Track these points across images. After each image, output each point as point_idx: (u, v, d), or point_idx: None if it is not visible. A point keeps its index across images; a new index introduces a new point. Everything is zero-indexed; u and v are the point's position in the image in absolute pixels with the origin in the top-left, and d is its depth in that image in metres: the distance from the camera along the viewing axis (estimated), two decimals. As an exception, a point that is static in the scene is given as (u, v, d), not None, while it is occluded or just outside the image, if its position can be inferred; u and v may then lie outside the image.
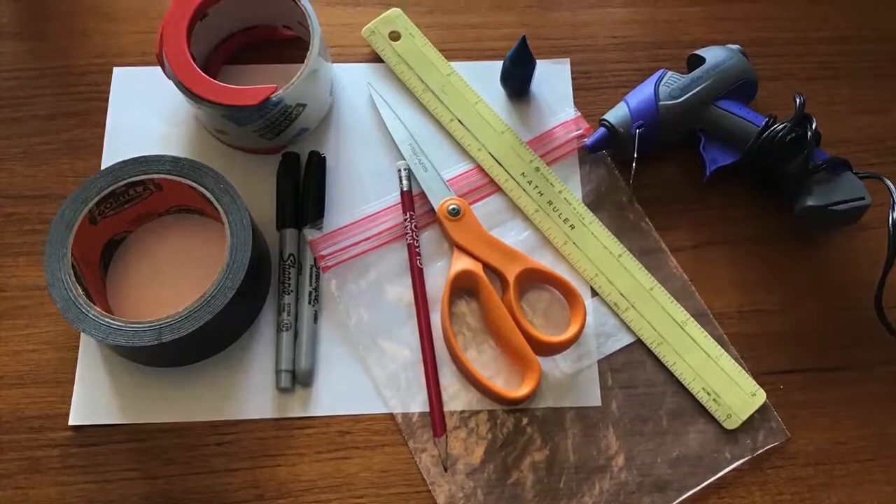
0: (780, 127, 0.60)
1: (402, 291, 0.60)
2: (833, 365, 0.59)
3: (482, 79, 0.66)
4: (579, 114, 0.66)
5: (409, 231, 0.61)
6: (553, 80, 0.67)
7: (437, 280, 0.60)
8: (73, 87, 0.66)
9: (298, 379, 0.58)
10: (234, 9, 0.63)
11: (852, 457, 0.57)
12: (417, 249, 0.60)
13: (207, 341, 0.57)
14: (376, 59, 0.68)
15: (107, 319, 0.53)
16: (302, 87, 0.59)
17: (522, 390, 0.56)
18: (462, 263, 0.60)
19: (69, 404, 0.57)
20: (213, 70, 0.65)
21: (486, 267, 0.60)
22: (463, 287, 0.60)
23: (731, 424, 0.57)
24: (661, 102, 0.62)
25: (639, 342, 0.59)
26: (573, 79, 0.67)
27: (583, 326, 0.58)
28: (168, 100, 0.64)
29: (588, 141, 0.63)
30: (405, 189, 0.62)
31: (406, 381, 0.58)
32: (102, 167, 0.63)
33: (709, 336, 0.59)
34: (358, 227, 0.62)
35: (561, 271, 0.60)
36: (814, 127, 0.59)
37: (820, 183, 0.59)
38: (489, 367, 0.58)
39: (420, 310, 0.59)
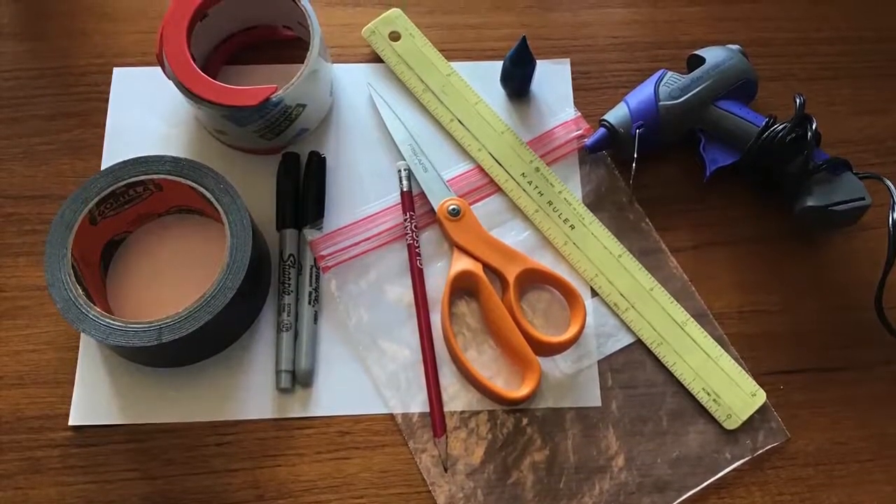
0: (781, 127, 0.60)
1: (402, 292, 0.60)
2: (833, 365, 0.59)
3: (482, 79, 0.66)
4: (579, 114, 0.66)
5: (409, 231, 0.61)
6: (553, 80, 0.67)
7: (437, 280, 0.60)
8: (73, 87, 0.66)
9: (298, 379, 0.58)
10: (234, 9, 0.63)
11: (852, 457, 0.57)
12: (417, 250, 0.60)
13: (207, 342, 0.57)
14: (376, 59, 0.68)
15: (107, 320, 0.54)
16: (302, 88, 0.59)
17: (522, 391, 0.56)
18: (462, 264, 0.60)
19: (69, 404, 0.57)
20: (213, 70, 0.65)
21: (486, 267, 0.60)
22: (463, 287, 0.60)
23: (731, 425, 0.57)
24: (661, 103, 0.62)
25: (639, 342, 0.59)
26: (573, 79, 0.67)
27: (583, 327, 0.58)
28: (168, 100, 0.64)
29: (588, 141, 0.63)
30: (405, 189, 0.62)
31: (406, 382, 0.58)
32: (102, 167, 0.63)
33: (709, 336, 0.59)
34: (358, 227, 0.62)
35: (561, 271, 0.60)
36: (814, 127, 0.59)
37: (820, 183, 0.59)
38: (489, 367, 0.58)
39: (420, 310, 0.59)
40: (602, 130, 0.63)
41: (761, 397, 0.58)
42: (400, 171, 0.63)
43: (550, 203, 0.63)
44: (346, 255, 0.61)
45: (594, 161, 0.65)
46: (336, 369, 0.58)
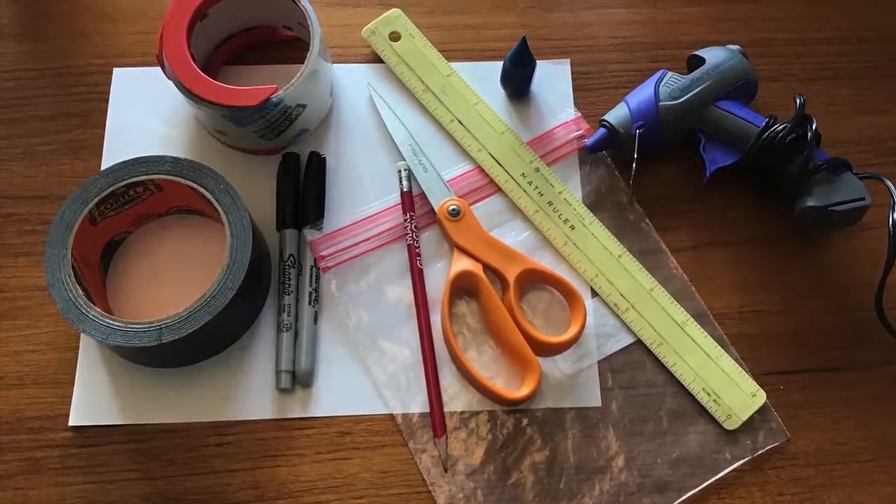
0: (781, 127, 0.60)
1: (402, 292, 0.60)
2: (833, 365, 0.59)
3: (482, 79, 0.66)
4: (579, 114, 0.66)
5: (409, 232, 0.61)
6: (553, 80, 0.67)
7: (438, 281, 0.60)
8: (73, 87, 0.66)
9: (298, 379, 0.58)
10: (234, 9, 0.63)
11: (852, 457, 0.57)
12: (417, 250, 0.60)
13: (207, 342, 0.57)
14: (376, 59, 0.68)
15: (107, 320, 0.53)
16: (302, 88, 0.59)
17: (522, 391, 0.56)
18: (462, 264, 0.60)
19: (69, 405, 0.57)
20: (214, 71, 0.65)
21: (487, 267, 0.60)
22: (463, 288, 0.60)
23: (731, 425, 0.57)
24: (662, 103, 0.62)
25: (639, 343, 0.59)
26: (573, 79, 0.67)
27: (583, 327, 0.58)
28: (168, 100, 0.64)
29: (588, 141, 0.63)
30: (405, 190, 0.62)
31: (406, 382, 0.58)
32: (102, 168, 0.63)
33: (709, 337, 0.59)
34: (358, 227, 0.62)
35: (561, 272, 0.60)
36: (814, 127, 0.59)
37: (820, 183, 0.59)
38: (489, 367, 0.58)
39: (420, 310, 0.59)
40: (602, 131, 0.63)
41: (761, 397, 0.58)
42: (400, 171, 0.63)
43: (550, 203, 0.63)
44: (347, 255, 0.61)
45: (594, 161, 0.65)
46: (336, 370, 0.58)
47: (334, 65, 0.67)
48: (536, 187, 0.63)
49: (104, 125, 0.65)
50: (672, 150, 0.64)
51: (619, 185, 0.64)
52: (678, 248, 0.62)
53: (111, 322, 0.53)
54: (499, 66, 0.65)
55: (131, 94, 0.66)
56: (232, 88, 0.58)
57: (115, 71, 0.67)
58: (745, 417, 0.57)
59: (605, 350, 0.59)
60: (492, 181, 0.64)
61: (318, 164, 0.63)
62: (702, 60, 0.63)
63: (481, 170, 0.64)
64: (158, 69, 0.61)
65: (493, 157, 0.64)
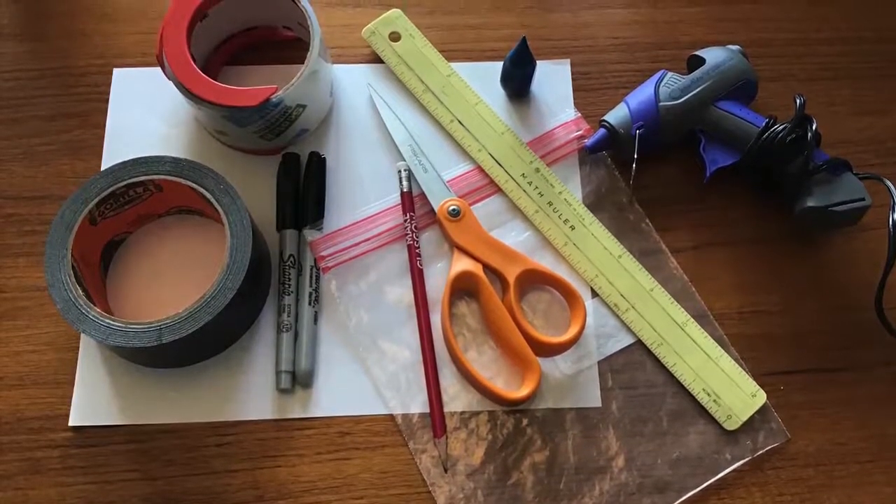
0: (781, 128, 0.60)
1: (402, 292, 0.60)
2: (833, 366, 0.59)
3: (482, 79, 0.66)
4: (579, 115, 0.66)
5: (409, 232, 0.61)
6: (553, 80, 0.67)
7: (438, 281, 0.60)
8: (73, 87, 0.66)
9: (298, 380, 0.58)
10: (235, 10, 0.63)
11: (852, 458, 0.57)
12: (417, 250, 0.60)
13: (207, 342, 0.57)
14: (376, 59, 0.68)
15: (107, 320, 0.53)
16: (302, 88, 0.59)
17: (523, 391, 0.56)
18: (462, 264, 0.60)
19: (69, 405, 0.57)
20: (214, 71, 0.65)
21: (487, 268, 0.60)
22: (463, 288, 0.60)
23: (731, 425, 0.57)
24: (662, 103, 0.62)
25: (639, 343, 0.59)
26: (573, 79, 0.67)
27: (583, 327, 0.58)
28: (168, 101, 0.64)
29: (588, 142, 0.63)
30: (405, 190, 0.62)
31: (406, 382, 0.58)
32: (102, 168, 0.63)
33: (709, 337, 0.59)
34: (358, 228, 0.62)
35: (561, 272, 0.60)
36: (814, 128, 0.59)
37: (820, 184, 0.59)
38: (489, 367, 0.58)
39: (420, 311, 0.59)
40: (602, 131, 0.63)
41: (761, 398, 0.58)
42: (400, 171, 0.63)
43: (550, 204, 0.63)
44: (347, 255, 0.61)
45: (594, 162, 0.65)
46: (336, 370, 0.58)
47: (334, 65, 0.67)
48: (536, 187, 0.63)
49: (104, 125, 0.65)
50: (672, 150, 0.64)
51: (619, 185, 0.64)
52: (678, 249, 0.62)
53: (111, 322, 0.53)
54: (499, 66, 0.65)
55: (131, 95, 0.66)
56: (232, 89, 0.58)
57: (115, 71, 0.67)
58: (745, 418, 0.57)
59: (606, 350, 0.59)
60: (492, 181, 0.64)
61: (318, 165, 0.63)
62: (702, 61, 0.63)
63: (481, 170, 0.64)
64: (158, 69, 0.61)
65: (493, 157, 0.64)
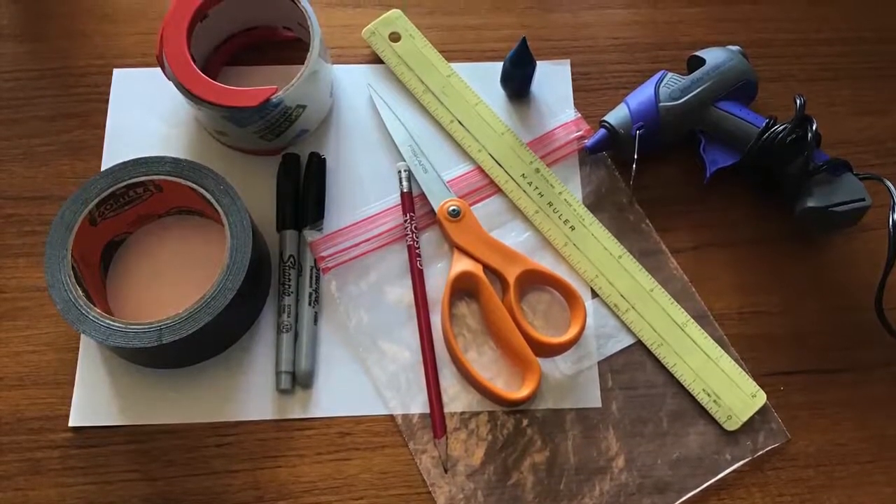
0: (781, 128, 0.60)
1: (402, 293, 0.60)
2: (833, 366, 0.59)
3: (482, 80, 0.66)
4: (579, 115, 0.66)
5: (409, 232, 0.61)
6: (553, 81, 0.67)
7: (438, 281, 0.60)
8: (73, 88, 0.66)
9: (298, 380, 0.58)
10: (235, 10, 0.63)
11: (852, 458, 0.57)
12: (417, 251, 0.60)
13: (207, 343, 0.57)
14: (376, 60, 0.68)
15: (107, 321, 0.53)
16: (302, 89, 0.59)
17: (523, 392, 0.56)
18: (462, 265, 0.60)
19: (69, 406, 0.57)
20: (214, 71, 0.65)
21: (487, 268, 0.60)
22: (463, 288, 0.60)
23: (731, 426, 0.57)
24: (662, 104, 0.62)
25: (639, 343, 0.59)
26: (573, 80, 0.67)
27: (583, 328, 0.58)
28: (168, 101, 0.64)
29: (588, 142, 0.63)
30: (405, 190, 0.62)
31: (406, 383, 0.58)
32: (102, 168, 0.63)
33: (709, 337, 0.59)
34: (358, 228, 0.62)
35: (561, 272, 0.60)
36: (814, 128, 0.59)
37: (820, 184, 0.59)
38: (489, 368, 0.58)
39: (420, 311, 0.59)
40: (602, 131, 0.63)
41: (761, 398, 0.58)
42: (400, 172, 0.63)
43: (550, 204, 0.63)
44: (347, 256, 0.61)
45: (594, 162, 0.65)
46: (336, 370, 0.58)
47: (334, 65, 0.67)
48: (536, 188, 0.63)
49: (104, 126, 0.65)
50: (672, 150, 0.64)
51: (619, 185, 0.64)
52: (678, 249, 0.62)
53: (111, 323, 0.53)
54: (499, 66, 0.65)
55: (131, 95, 0.66)
56: (232, 89, 0.58)
57: (115, 71, 0.67)
58: (745, 418, 0.57)
59: (606, 351, 0.59)
60: (492, 182, 0.64)
61: (318, 165, 0.63)
62: (702, 61, 0.63)
63: (481, 170, 0.64)
64: (158, 70, 0.61)
65: (493, 157, 0.64)
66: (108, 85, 0.66)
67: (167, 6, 0.60)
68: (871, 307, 0.58)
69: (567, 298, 0.60)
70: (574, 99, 0.67)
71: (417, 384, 0.58)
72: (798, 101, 0.60)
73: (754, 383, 0.58)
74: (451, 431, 0.57)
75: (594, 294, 0.61)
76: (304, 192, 0.62)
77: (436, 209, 0.61)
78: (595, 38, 0.69)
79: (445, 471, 0.56)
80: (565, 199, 0.63)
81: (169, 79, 0.59)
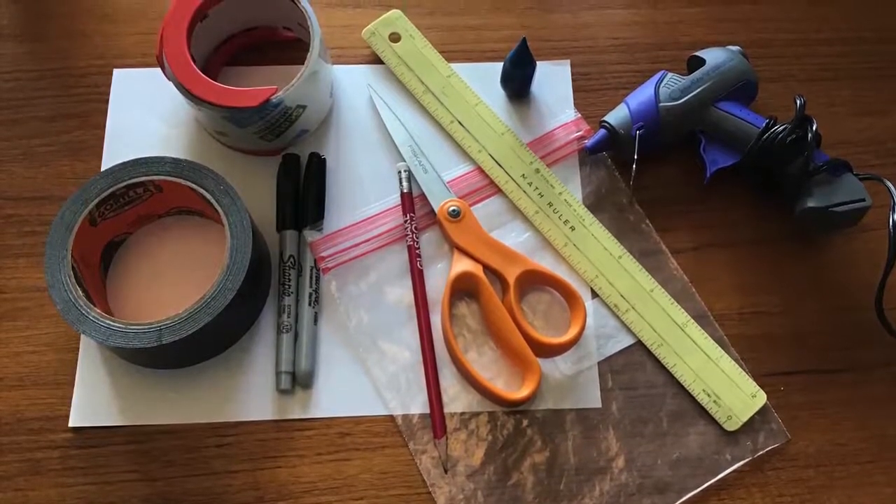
0: (781, 128, 0.60)
1: (402, 293, 0.60)
2: (833, 366, 0.59)
3: (482, 80, 0.66)
4: (579, 115, 0.66)
5: (409, 233, 0.61)
6: (553, 81, 0.67)
7: (438, 282, 0.60)
8: (73, 88, 0.66)
9: (298, 380, 0.58)
10: (235, 10, 0.63)
11: (853, 458, 0.57)
12: (418, 251, 0.60)
13: (207, 343, 0.57)
14: (376, 60, 0.68)
15: (107, 321, 0.53)
16: (302, 89, 0.59)
17: (523, 392, 0.56)
18: (462, 265, 0.60)
19: (69, 406, 0.57)
20: (214, 71, 0.65)
21: (487, 268, 0.60)
22: (463, 289, 0.60)
23: (731, 426, 0.57)
24: (662, 104, 0.62)
25: (639, 344, 0.59)
26: (573, 80, 0.67)
27: (583, 328, 0.58)
28: (168, 101, 0.64)
29: (588, 142, 0.63)
30: (405, 191, 0.62)
31: (406, 383, 0.58)
32: (102, 169, 0.63)
33: (709, 338, 0.59)
34: (358, 228, 0.62)
35: (561, 273, 0.60)
36: (814, 128, 0.59)
37: (820, 184, 0.59)
38: (489, 368, 0.58)
39: (420, 311, 0.59)
40: (602, 132, 0.63)
41: (761, 398, 0.58)
42: (400, 172, 0.63)
43: (551, 204, 0.63)
44: (347, 256, 0.61)
45: (594, 162, 0.65)
46: (336, 371, 0.58)
47: (334, 66, 0.67)
48: (536, 188, 0.63)
49: (104, 126, 0.65)
50: (672, 151, 0.64)
51: (619, 186, 0.64)
52: (678, 249, 0.62)
53: (111, 323, 0.53)
54: (499, 67, 0.65)
55: (131, 95, 0.66)
56: (232, 89, 0.58)
57: (115, 72, 0.67)
58: (745, 418, 0.57)
59: (606, 351, 0.59)
60: (492, 182, 0.64)
61: (318, 165, 0.63)
62: (702, 61, 0.63)
63: (481, 171, 0.64)
64: (158, 70, 0.61)
65: (493, 158, 0.64)
66: (108, 85, 0.66)
67: (167, 6, 0.60)
68: (871, 307, 0.58)
69: (567, 299, 0.60)
70: (574, 99, 0.67)
71: (417, 384, 0.58)
72: (798, 102, 0.60)
73: (754, 383, 0.58)
74: (451, 432, 0.57)
75: (594, 294, 0.61)
76: (304, 192, 0.62)
77: (436, 209, 0.61)
78: (595, 38, 0.69)
79: (445, 471, 0.56)
80: (565, 200, 0.63)
81: (169, 79, 0.59)
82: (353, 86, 0.67)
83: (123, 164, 0.57)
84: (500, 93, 0.67)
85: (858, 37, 0.70)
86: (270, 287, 0.61)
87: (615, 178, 0.64)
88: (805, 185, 0.59)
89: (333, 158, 0.64)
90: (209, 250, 0.60)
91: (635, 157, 0.61)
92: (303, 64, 0.60)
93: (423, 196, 0.62)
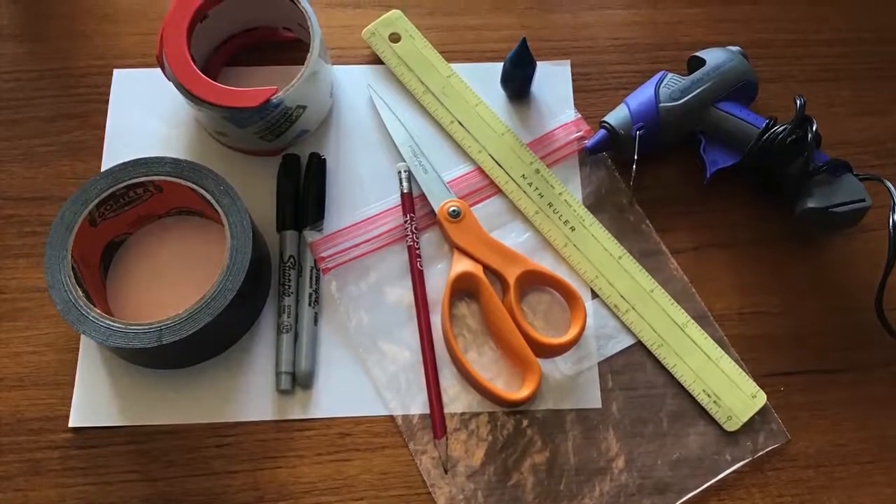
0: (781, 129, 0.60)
1: (402, 293, 0.60)
2: (833, 367, 0.59)
3: (482, 80, 0.66)
4: (580, 115, 0.66)
5: (409, 233, 0.61)
6: (553, 81, 0.67)
7: (438, 282, 0.60)
8: (73, 88, 0.66)
9: (298, 381, 0.58)
10: (235, 10, 0.63)
11: (852, 459, 0.57)
12: (418, 251, 0.60)
13: (207, 343, 0.57)
14: (376, 60, 0.68)
15: (107, 321, 0.53)
16: (302, 89, 0.59)
17: (523, 392, 0.56)
18: (462, 265, 0.60)
19: (69, 406, 0.57)
20: (214, 72, 0.65)
21: (487, 269, 0.60)
22: (463, 289, 0.60)
23: (731, 426, 0.57)
24: (662, 104, 0.62)
25: (639, 344, 0.59)
26: (573, 80, 0.67)
27: (583, 328, 0.58)
28: (168, 101, 0.64)
29: (588, 143, 0.63)
30: (405, 191, 0.62)
31: (406, 383, 0.58)
32: (102, 169, 0.63)
33: (709, 338, 0.59)
34: (358, 228, 0.62)
35: (561, 273, 0.60)
36: (814, 129, 0.59)
37: (820, 185, 0.59)
38: (489, 368, 0.58)
39: (420, 312, 0.59)
40: (602, 132, 0.63)
41: (762, 399, 0.58)
42: (400, 172, 0.63)
43: (551, 205, 0.63)
44: (347, 256, 0.61)
45: (594, 163, 0.65)
46: (336, 371, 0.58)
47: (334, 66, 0.67)
48: (537, 188, 0.63)
49: (104, 126, 0.65)
50: (672, 151, 0.64)
51: (619, 186, 0.64)
52: (678, 250, 0.62)
53: (111, 323, 0.53)
54: (499, 67, 0.65)
55: (131, 96, 0.66)
56: (232, 90, 0.58)
57: (116, 72, 0.67)
58: (745, 419, 0.57)
59: (606, 351, 0.59)
60: (492, 182, 0.64)
61: (318, 166, 0.63)
62: (702, 62, 0.63)
63: (481, 171, 0.64)
64: (158, 70, 0.61)
65: (493, 158, 0.64)
66: (108, 85, 0.66)
67: (167, 6, 0.60)
68: (871, 307, 0.58)
69: (567, 299, 0.60)
70: (574, 99, 0.67)
71: (417, 385, 0.58)
72: (798, 102, 0.60)
73: (754, 384, 0.58)
74: (452, 432, 0.57)
75: (594, 295, 0.61)
76: (305, 192, 0.62)
77: (436, 210, 0.61)
78: (595, 38, 0.69)
79: (445, 471, 0.56)
80: (565, 200, 0.63)
81: (169, 79, 0.59)
82: (353, 86, 0.67)
83: (123, 164, 0.57)
84: (500, 93, 0.67)
85: (858, 37, 0.70)
86: (270, 287, 0.61)
87: (615, 179, 0.64)
88: (805, 185, 0.59)
89: (333, 159, 0.64)
90: (209, 250, 0.60)
91: (635, 157, 0.61)
92: (303, 64, 0.60)
93: (423, 196, 0.62)
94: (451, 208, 0.61)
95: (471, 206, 0.62)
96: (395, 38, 0.68)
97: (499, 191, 0.64)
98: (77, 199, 0.56)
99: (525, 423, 0.57)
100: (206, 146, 0.64)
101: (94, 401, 0.57)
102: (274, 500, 0.55)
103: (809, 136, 0.59)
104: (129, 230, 0.61)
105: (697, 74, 0.62)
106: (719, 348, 0.59)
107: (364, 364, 0.58)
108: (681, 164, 0.64)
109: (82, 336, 0.58)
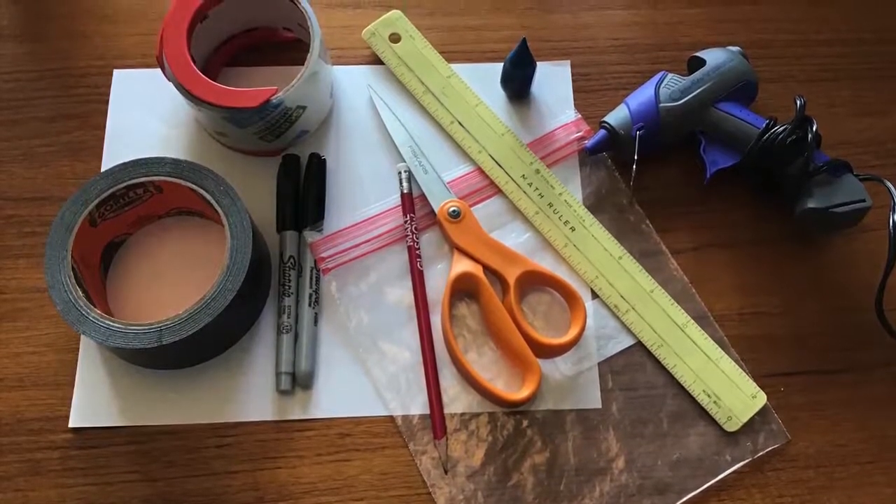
0: (781, 129, 0.60)
1: (402, 294, 0.60)
2: (833, 367, 0.59)
3: (482, 81, 0.66)
4: (580, 116, 0.66)
5: (409, 233, 0.61)
6: (553, 82, 0.67)
7: (438, 282, 0.60)
8: (73, 89, 0.66)
9: (298, 381, 0.58)
10: (235, 10, 0.63)
11: (853, 459, 0.57)
12: (418, 252, 0.60)
13: (207, 343, 0.57)
14: (376, 61, 0.68)
15: (107, 322, 0.53)
16: (302, 90, 0.59)
17: (523, 393, 0.56)
18: (462, 266, 0.60)
19: (69, 406, 0.57)
20: (214, 72, 0.65)
21: (487, 269, 0.60)
22: (463, 289, 0.60)
23: (731, 427, 0.57)
24: (662, 104, 0.62)
25: (639, 344, 0.59)
26: (573, 81, 0.67)
27: (583, 329, 0.58)
28: (168, 102, 0.64)
29: (588, 143, 0.63)
30: (405, 191, 0.62)
31: (406, 384, 0.58)
32: (102, 169, 0.63)
33: (709, 338, 0.59)
34: (358, 229, 0.62)
35: (561, 273, 0.60)
36: (814, 129, 0.59)
37: (820, 185, 0.59)
38: (489, 369, 0.58)
39: (420, 312, 0.59)
40: (602, 132, 0.63)
41: (762, 399, 0.57)
42: (400, 172, 0.63)
43: (551, 205, 0.63)
44: (347, 256, 0.61)
45: (594, 163, 0.65)
46: (336, 371, 0.58)
47: (334, 66, 0.67)
48: (537, 189, 0.63)
49: (104, 127, 0.65)
50: (672, 151, 0.64)
51: (619, 186, 0.64)
52: (678, 250, 0.62)
53: (111, 324, 0.53)
54: (499, 67, 0.65)
55: (131, 96, 0.66)
56: (232, 90, 0.58)
57: (116, 72, 0.67)
58: (745, 419, 0.57)
59: (606, 352, 0.59)
60: (492, 183, 0.64)
61: (318, 166, 0.63)
62: (702, 62, 0.63)
63: (481, 171, 0.64)
64: (158, 71, 0.61)
65: (493, 158, 0.64)
66: (108, 86, 0.66)
67: (167, 7, 0.60)
68: (871, 308, 0.58)
69: (567, 299, 0.60)
70: (574, 100, 0.67)
71: (417, 385, 0.58)
72: (798, 102, 0.60)
73: (754, 384, 0.58)
74: (452, 432, 0.57)
75: (594, 295, 0.61)
76: (305, 192, 0.62)
77: (436, 210, 0.61)
78: (595, 38, 0.69)
79: (446, 472, 0.56)
80: (565, 200, 0.63)
81: (169, 79, 0.59)
82: (353, 86, 0.67)
83: (123, 164, 0.57)
84: (500, 93, 0.67)
85: (858, 38, 0.70)
86: (270, 288, 0.61)
87: (615, 179, 0.64)
88: (805, 185, 0.59)
89: (333, 159, 0.64)
90: (209, 251, 0.60)
91: (635, 157, 0.61)
92: (303, 64, 0.60)
93: (423, 196, 0.62)
94: (451, 208, 0.61)
95: (471, 206, 0.62)
96: (395, 38, 0.68)
97: (499, 191, 0.64)
98: (77, 199, 0.56)
99: (525, 423, 0.57)
100: (206, 146, 0.64)
101: (94, 401, 0.57)
102: (274, 500, 0.55)
103: (809, 136, 0.59)
104: (129, 230, 0.61)
105: (697, 75, 0.62)
106: (719, 349, 0.59)
107: (364, 364, 0.58)
108: (681, 164, 0.64)
109: (82, 336, 0.58)
